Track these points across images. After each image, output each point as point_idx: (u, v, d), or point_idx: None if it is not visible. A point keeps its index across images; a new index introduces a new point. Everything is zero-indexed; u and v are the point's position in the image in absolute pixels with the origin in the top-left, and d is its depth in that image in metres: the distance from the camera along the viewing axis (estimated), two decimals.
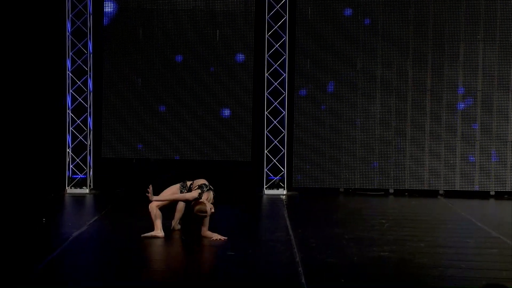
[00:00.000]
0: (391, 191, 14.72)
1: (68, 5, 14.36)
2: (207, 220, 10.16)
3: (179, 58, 14.72)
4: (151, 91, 14.82)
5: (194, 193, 10.12)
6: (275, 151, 14.61)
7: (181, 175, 14.80)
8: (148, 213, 10.27)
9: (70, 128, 14.54)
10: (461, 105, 14.49)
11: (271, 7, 14.44)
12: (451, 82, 14.51)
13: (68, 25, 14.41)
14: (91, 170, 14.70)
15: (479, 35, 14.44)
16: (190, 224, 10.72)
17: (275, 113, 14.60)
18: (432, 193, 14.59)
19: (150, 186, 10.05)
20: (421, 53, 14.50)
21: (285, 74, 14.51)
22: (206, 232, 10.16)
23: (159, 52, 14.76)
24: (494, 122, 14.49)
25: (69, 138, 14.55)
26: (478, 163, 14.52)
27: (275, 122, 14.56)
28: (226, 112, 14.78)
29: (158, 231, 10.19)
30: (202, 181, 10.32)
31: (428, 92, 14.56)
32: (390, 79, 14.57)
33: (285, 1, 14.41)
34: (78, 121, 14.53)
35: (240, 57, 14.72)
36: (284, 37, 14.46)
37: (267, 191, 14.54)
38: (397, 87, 14.58)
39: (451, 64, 14.49)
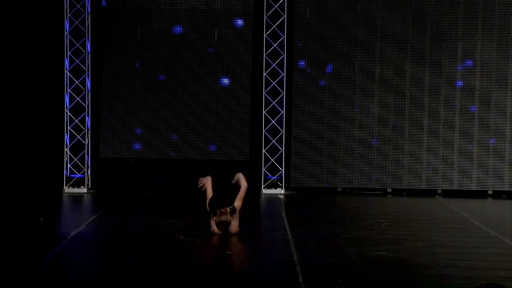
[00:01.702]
0: (389, 190, 14.72)
1: (67, 5, 14.35)
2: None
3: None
4: (149, 90, 14.83)
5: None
6: (273, 150, 14.61)
7: (180, 175, 14.87)
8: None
9: (68, 128, 14.53)
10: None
11: (269, 7, 14.43)
12: (450, 80, 14.52)
13: (67, 25, 14.40)
14: (89, 169, 14.69)
15: (478, 34, 14.45)
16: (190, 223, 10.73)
17: (273, 112, 14.60)
18: (430, 192, 14.60)
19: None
20: (420, 51, 14.50)
21: (283, 74, 14.51)
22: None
23: (157, 51, 14.76)
24: (492, 121, 14.49)
25: (67, 138, 14.54)
26: (476, 163, 14.53)
27: (273, 121, 14.56)
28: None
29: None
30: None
31: (427, 90, 14.57)
32: (388, 77, 14.58)
33: (283, 1, 14.40)
34: (76, 121, 14.52)
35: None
36: (282, 36, 14.46)
37: (265, 191, 14.54)
38: (395, 85, 14.59)
39: (449, 62, 14.49)
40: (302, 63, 14.65)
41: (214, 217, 10.15)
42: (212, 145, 14.87)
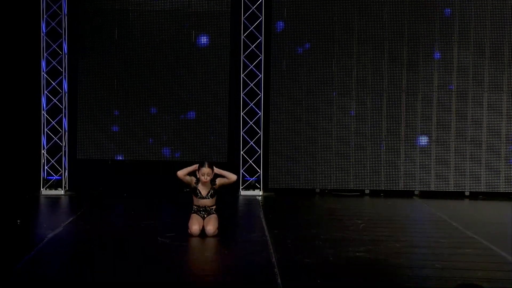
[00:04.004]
0: (367, 191, 14.76)
1: (43, 6, 14.29)
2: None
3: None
4: (126, 92, 14.79)
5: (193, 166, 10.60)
6: (251, 152, 14.61)
7: (157, 176, 14.84)
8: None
9: (45, 129, 14.47)
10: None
11: (247, 8, 14.44)
12: (427, 83, 14.58)
13: (43, 26, 14.34)
14: (66, 171, 14.64)
15: (454, 36, 14.53)
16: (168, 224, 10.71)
17: (251, 114, 14.60)
18: (408, 194, 14.65)
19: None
20: (397, 54, 14.55)
21: (261, 75, 14.52)
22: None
23: (134, 53, 14.73)
24: (468, 123, 14.57)
25: (44, 140, 14.48)
26: (453, 164, 14.60)
27: (251, 123, 14.56)
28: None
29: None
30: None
31: (404, 92, 14.62)
32: (366, 79, 14.62)
33: (261, 2, 14.41)
34: (53, 122, 14.46)
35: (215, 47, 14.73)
36: (260, 38, 14.47)
37: (243, 192, 14.54)
38: (373, 87, 14.63)
39: (426, 65, 14.56)
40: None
41: (197, 171, 10.47)
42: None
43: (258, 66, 14.52)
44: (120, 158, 14.89)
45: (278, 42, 14.61)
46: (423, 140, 14.54)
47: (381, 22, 14.55)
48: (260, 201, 13.90)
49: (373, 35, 14.57)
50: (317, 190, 14.83)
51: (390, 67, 14.59)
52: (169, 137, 14.83)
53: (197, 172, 10.52)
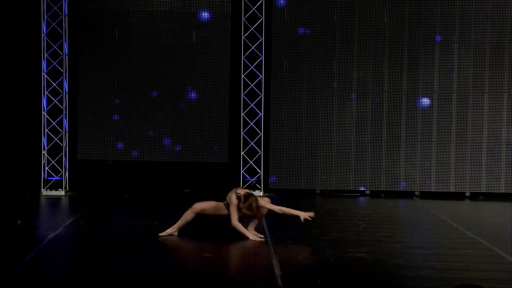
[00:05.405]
0: (367, 192, 14.76)
1: (44, 6, 14.29)
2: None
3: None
4: (126, 93, 14.79)
5: (233, 201, 10.15)
6: (251, 152, 14.61)
7: (158, 176, 14.84)
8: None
9: (46, 130, 14.47)
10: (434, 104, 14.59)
11: (247, 9, 14.43)
12: (427, 84, 14.59)
13: (44, 27, 14.34)
14: (67, 172, 14.63)
15: (454, 37, 14.53)
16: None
17: (252, 114, 14.60)
18: (408, 194, 14.65)
19: None
20: (397, 56, 14.56)
21: (261, 76, 14.52)
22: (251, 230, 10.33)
23: (135, 53, 14.73)
24: (469, 124, 14.57)
25: (44, 140, 14.48)
26: (453, 165, 14.59)
27: (251, 123, 14.57)
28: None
29: (174, 230, 10.28)
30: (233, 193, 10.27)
31: (404, 93, 14.63)
32: (366, 81, 14.62)
33: (261, 3, 14.41)
34: (54, 123, 14.46)
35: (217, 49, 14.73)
36: (260, 38, 14.47)
37: None
38: (373, 89, 14.64)
39: (426, 66, 14.56)
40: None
41: (239, 203, 10.10)
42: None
43: (258, 67, 14.52)
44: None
45: (278, 42, 14.62)
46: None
47: (381, 23, 14.55)
48: None
49: (374, 35, 14.57)
50: (318, 191, 14.83)
51: (391, 68, 14.60)
52: (170, 137, 14.82)
53: (241, 204, 10.12)
